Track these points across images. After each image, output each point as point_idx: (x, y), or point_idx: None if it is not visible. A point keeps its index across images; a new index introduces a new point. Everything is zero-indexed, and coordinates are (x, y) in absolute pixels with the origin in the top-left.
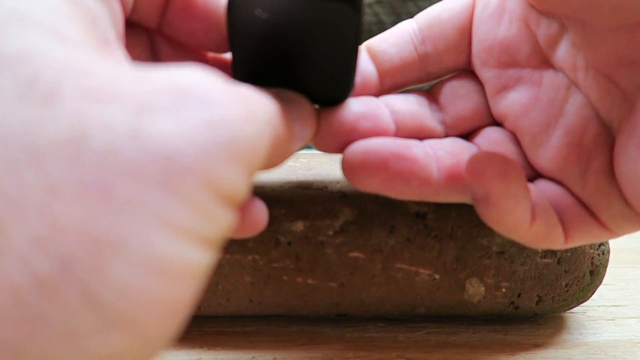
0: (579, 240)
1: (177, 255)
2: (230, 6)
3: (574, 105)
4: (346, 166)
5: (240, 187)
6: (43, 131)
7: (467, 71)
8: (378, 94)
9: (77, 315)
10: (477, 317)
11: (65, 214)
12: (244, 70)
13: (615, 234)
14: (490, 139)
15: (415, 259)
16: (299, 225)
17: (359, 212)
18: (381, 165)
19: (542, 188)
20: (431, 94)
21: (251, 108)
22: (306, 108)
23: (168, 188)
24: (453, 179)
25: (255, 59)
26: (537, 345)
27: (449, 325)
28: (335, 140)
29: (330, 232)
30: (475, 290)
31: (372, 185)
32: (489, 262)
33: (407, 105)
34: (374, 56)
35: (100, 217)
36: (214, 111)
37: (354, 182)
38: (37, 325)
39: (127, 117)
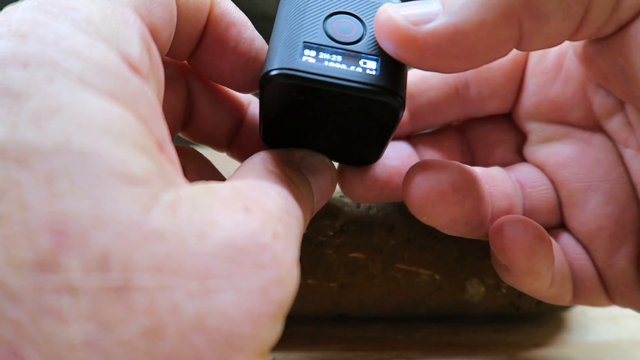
0: (583, 303)
1: None
2: (265, 83)
3: (621, 178)
4: (419, 200)
5: (280, 332)
6: (117, 330)
7: (504, 114)
8: (409, 133)
9: None
10: (478, 317)
11: None
12: (273, 132)
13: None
14: (534, 180)
15: (416, 259)
16: None
17: (359, 213)
18: (459, 201)
19: (568, 248)
20: (462, 133)
21: (291, 241)
22: (327, 177)
23: None
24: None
25: (285, 128)
26: (537, 345)
27: (449, 326)
28: (368, 194)
29: (331, 233)
30: (475, 290)
31: (440, 221)
32: (489, 262)
33: (438, 156)
34: (410, 96)
35: None
36: (267, 273)
37: (425, 217)
38: None
39: (192, 292)
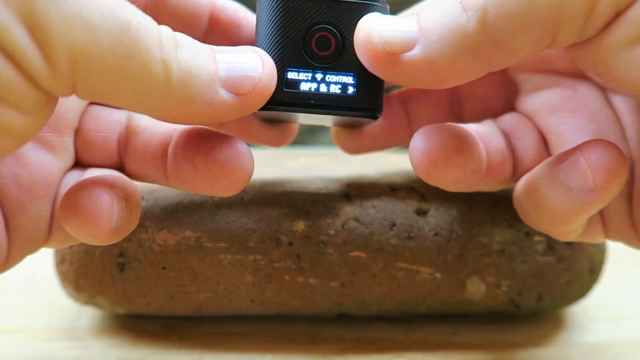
0: (586, 239)
1: None
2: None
3: (610, 118)
4: (426, 165)
5: None
6: None
7: None
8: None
9: None
10: (478, 315)
11: None
12: None
13: None
14: (520, 132)
15: (417, 258)
16: (300, 225)
17: (360, 211)
18: (462, 164)
19: None
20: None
21: None
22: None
23: None
24: (496, 176)
25: None
26: (537, 345)
27: (449, 325)
28: (359, 147)
29: (332, 232)
30: (476, 288)
31: (445, 183)
32: (489, 260)
33: (426, 110)
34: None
35: None
36: None
37: (432, 180)
38: None
39: None
